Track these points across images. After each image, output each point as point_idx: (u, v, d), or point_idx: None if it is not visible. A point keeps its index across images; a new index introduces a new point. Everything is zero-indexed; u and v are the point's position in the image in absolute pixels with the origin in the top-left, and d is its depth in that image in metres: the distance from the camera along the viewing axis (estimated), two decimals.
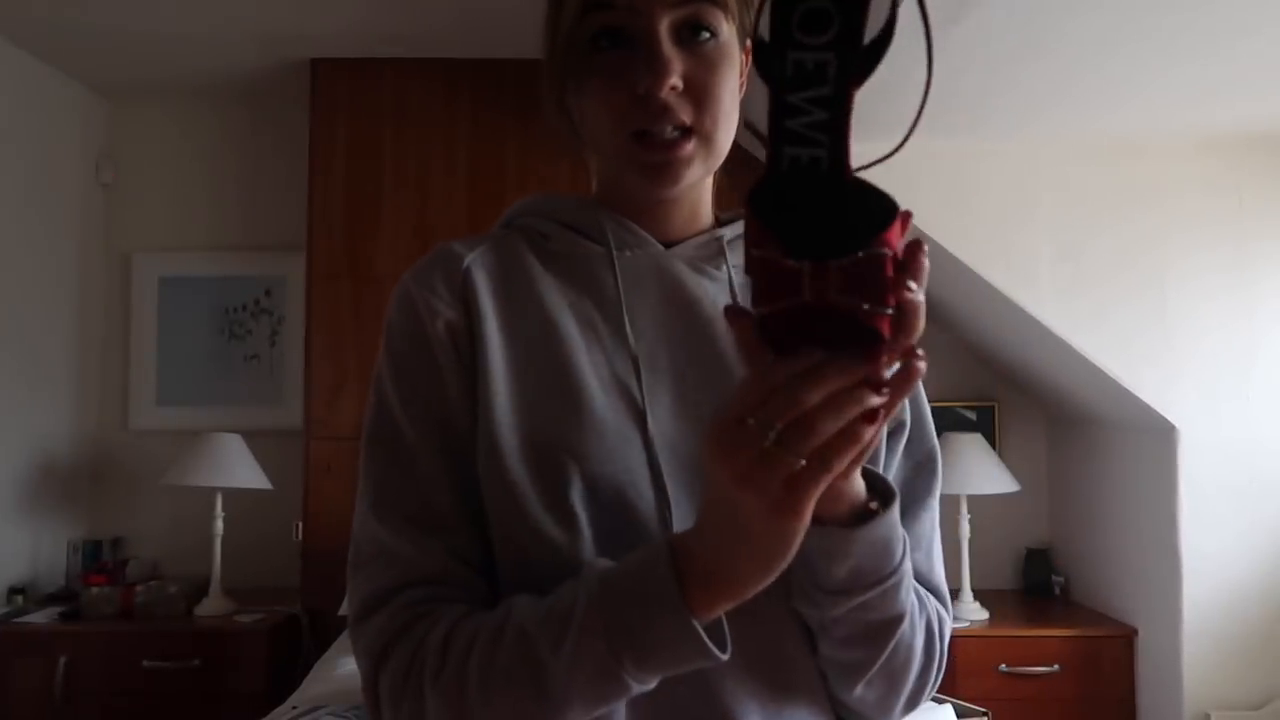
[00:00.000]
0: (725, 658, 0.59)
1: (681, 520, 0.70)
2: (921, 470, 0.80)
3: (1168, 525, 2.72)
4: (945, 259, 2.70)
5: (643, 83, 0.70)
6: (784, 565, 0.56)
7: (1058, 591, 3.28)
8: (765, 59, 0.49)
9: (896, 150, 0.51)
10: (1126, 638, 2.87)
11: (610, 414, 0.72)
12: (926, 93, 0.49)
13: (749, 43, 0.77)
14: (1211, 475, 2.68)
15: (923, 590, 0.76)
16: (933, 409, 0.83)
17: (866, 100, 0.59)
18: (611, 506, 0.70)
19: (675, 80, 0.70)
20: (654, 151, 0.72)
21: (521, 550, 0.70)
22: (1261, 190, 2.71)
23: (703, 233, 0.81)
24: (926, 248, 0.49)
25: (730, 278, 0.80)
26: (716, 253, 0.80)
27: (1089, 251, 2.71)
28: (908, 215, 0.48)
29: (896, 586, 0.66)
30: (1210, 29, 1.97)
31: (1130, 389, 2.68)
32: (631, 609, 0.59)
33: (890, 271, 0.47)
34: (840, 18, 0.47)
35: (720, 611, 0.59)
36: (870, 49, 0.47)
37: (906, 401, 0.78)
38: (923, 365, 0.50)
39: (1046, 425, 3.44)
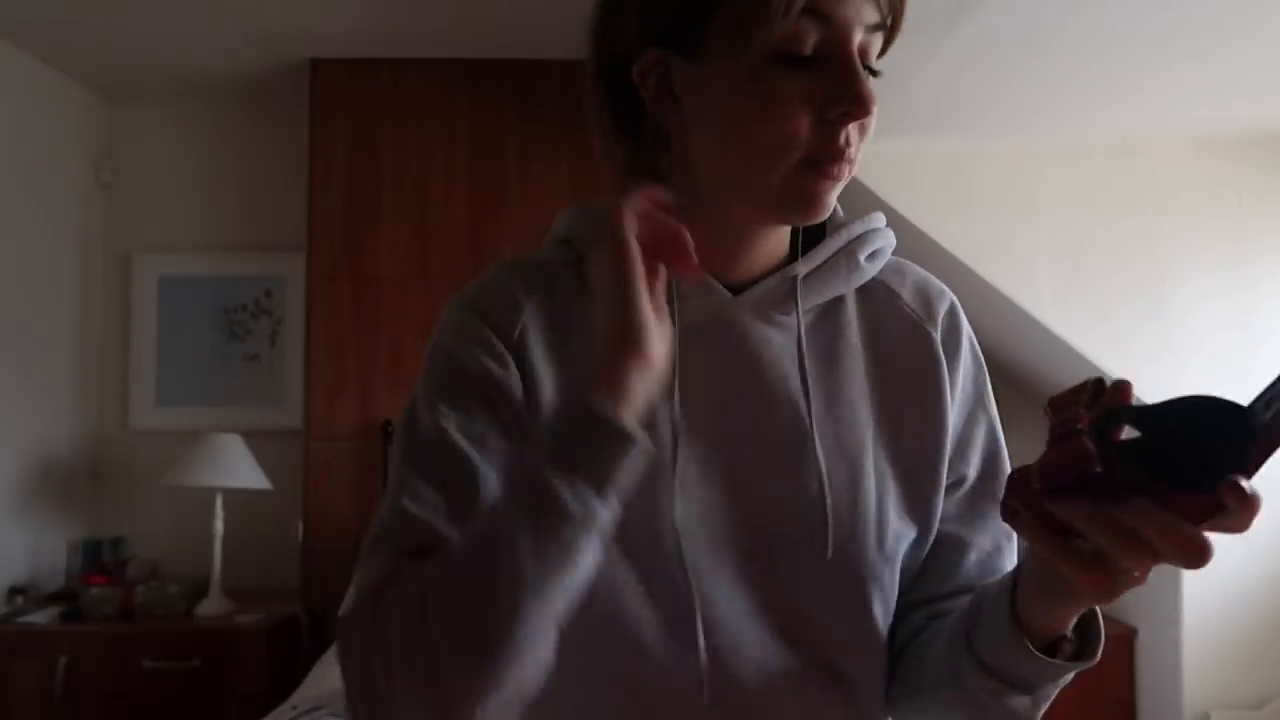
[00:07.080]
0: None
1: (703, 596, 0.69)
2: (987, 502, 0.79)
3: None
4: (944, 258, 2.70)
5: (835, 108, 0.63)
6: None
7: None
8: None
9: None
10: (1126, 638, 2.87)
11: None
12: None
13: None
14: None
15: None
16: None
17: None
18: (629, 575, 0.69)
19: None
20: (820, 182, 0.66)
21: None
22: (1262, 189, 2.71)
23: (774, 271, 0.74)
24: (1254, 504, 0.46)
25: (799, 324, 0.73)
26: (786, 295, 0.73)
27: (1088, 251, 2.70)
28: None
29: (1029, 707, 0.66)
30: (1209, 27, 1.97)
31: None
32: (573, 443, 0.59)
33: (1203, 513, 0.47)
34: None
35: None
36: None
37: (973, 458, 0.78)
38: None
39: (1047, 425, 3.44)
